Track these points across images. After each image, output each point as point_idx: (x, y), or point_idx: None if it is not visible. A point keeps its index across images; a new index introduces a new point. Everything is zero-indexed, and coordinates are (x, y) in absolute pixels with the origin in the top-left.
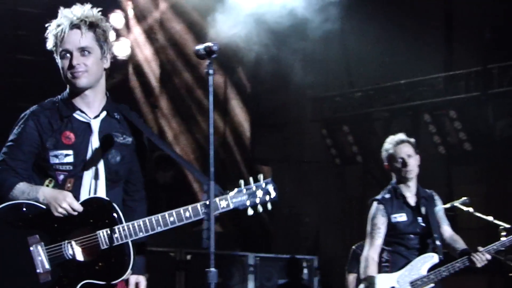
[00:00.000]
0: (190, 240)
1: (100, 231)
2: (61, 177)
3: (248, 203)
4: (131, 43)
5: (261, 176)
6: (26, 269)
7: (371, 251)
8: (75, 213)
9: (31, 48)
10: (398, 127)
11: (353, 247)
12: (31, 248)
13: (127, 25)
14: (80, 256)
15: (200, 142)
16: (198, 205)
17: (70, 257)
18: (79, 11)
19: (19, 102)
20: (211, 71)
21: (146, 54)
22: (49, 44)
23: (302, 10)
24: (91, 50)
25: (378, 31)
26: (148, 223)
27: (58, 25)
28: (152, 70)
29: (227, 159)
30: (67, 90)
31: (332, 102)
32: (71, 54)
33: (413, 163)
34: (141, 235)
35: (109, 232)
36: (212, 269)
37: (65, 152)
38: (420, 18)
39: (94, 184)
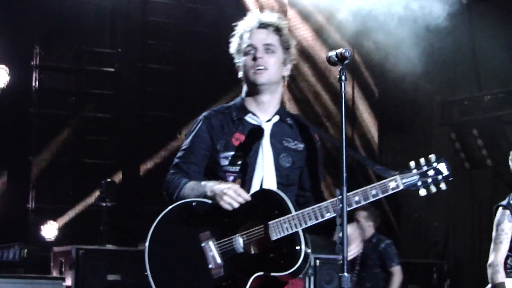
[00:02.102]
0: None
1: (271, 222)
2: (231, 178)
3: (419, 183)
4: None
5: (432, 156)
6: (199, 265)
7: (498, 258)
8: (243, 202)
9: (158, 57)
10: None
11: None
12: (203, 244)
13: None
14: (251, 249)
15: (327, 148)
16: (386, 180)
17: (242, 250)
18: (267, 16)
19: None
20: (343, 78)
21: None
22: (233, 46)
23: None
24: (275, 49)
25: (509, 32)
26: (317, 210)
27: (244, 26)
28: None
29: (354, 164)
30: (242, 94)
31: (461, 106)
32: (256, 49)
33: None
34: (310, 223)
35: (280, 222)
36: (345, 274)
37: (235, 154)
38: None
39: (261, 185)
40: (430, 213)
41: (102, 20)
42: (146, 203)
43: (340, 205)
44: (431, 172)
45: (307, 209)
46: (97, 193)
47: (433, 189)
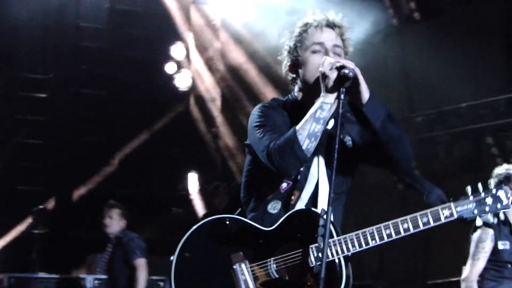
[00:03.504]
0: None
1: (311, 247)
2: (284, 185)
3: (476, 211)
4: (192, 74)
5: (491, 182)
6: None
7: (473, 273)
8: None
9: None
10: (460, 150)
11: None
12: (235, 267)
13: (188, 56)
14: (287, 275)
15: None
16: (439, 208)
17: (277, 275)
18: (335, 16)
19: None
20: (342, 97)
21: (207, 84)
22: (290, 40)
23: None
24: (340, 53)
25: (440, 53)
26: (361, 236)
27: (308, 23)
28: (213, 100)
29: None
30: (297, 93)
31: None
32: (326, 49)
33: None
34: (353, 250)
35: (320, 247)
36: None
37: None
38: (480, 39)
39: (315, 194)
40: None
41: (34, 46)
42: (80, 229)
43: (387, 232)
44: (489, 200)
45: (351, 234)
46: (29, 220)
47: (491, 219)
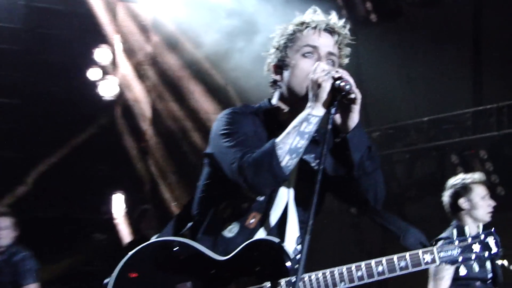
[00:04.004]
0: None
1: (266, 283)
2: (246, 205)
3: (460, 258)
4: (119, 81)
5: (480, 226)
6: None
7: None
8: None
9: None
10: (422, 169)
11: None
12: None
13: (114, 61)
14: None
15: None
16: (420, 251)
17: None
18: (336, 20)
19: None
20: (333, 111)
21: (135, 93)
22: (281, 37)
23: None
24: (335, 62)
25: (397, 60)
26: (329, 278)
27: (304, 23)
28: (142, 111)
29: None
30: (275, 100)
31: None
32: (319, 56)
33: None
34: None
35: (278, 284)
36: None
37: None
38: (445, 44)
39: (283, 221)
40: (315, 264)
41: None
42: None
43: (358, 274)
44: (476, 247)
45: (318, 273)
46: None
47: (476, 268)
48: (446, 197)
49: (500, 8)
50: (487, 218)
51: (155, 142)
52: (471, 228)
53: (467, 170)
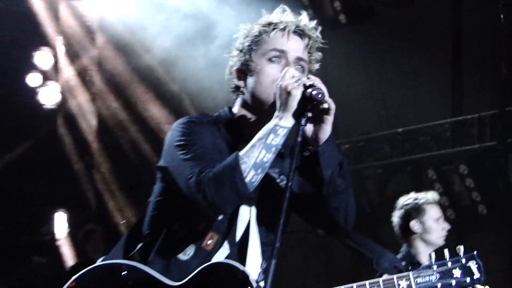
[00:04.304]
0: None
1: None
2: (203, 225)
3: (439, 285)
4: (61, 87)
5: (461, 248)
6: None
7: None
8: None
9: None
10: (396, 186)
11: None
12: None
13: (56, 65)
14: None
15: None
16: (395, 277)
17: None
18: (307, 22)
19: None
20: (303, 122)
21: (79, 100)
22: (244, 38)
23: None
24: (304, 68)
25: (368, 65)
26: None
27: (272, 23)
28: (87, 121)
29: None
30: (236, 108)
31: None
32: (287, 61)
33: None
34: None
35: None
36: None
37: None
38: (421, 48)
39: (244, 242)
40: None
41: None
42: None
43: None
44: (457, 272)
45: None
46: None
47: None
48: (396, 218)
49: (480, 8)
50: (440, 242)
51: (100, 154)
52: (422, 254)
53: (445, 187)
